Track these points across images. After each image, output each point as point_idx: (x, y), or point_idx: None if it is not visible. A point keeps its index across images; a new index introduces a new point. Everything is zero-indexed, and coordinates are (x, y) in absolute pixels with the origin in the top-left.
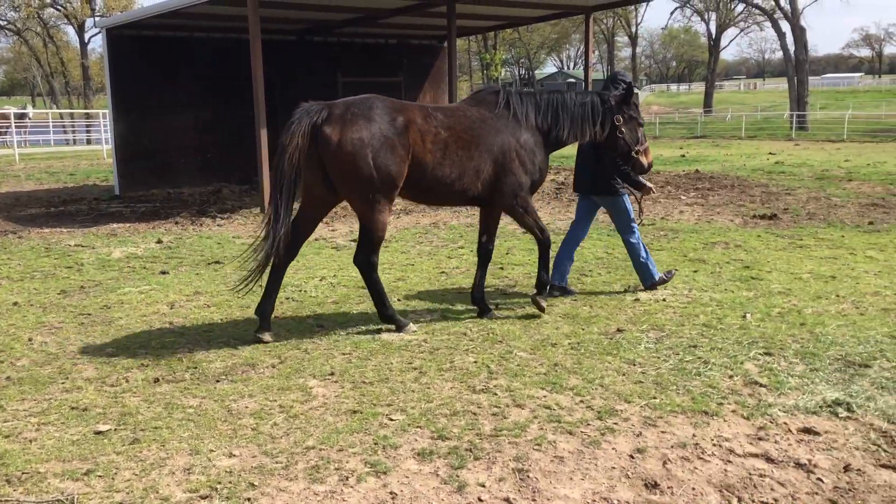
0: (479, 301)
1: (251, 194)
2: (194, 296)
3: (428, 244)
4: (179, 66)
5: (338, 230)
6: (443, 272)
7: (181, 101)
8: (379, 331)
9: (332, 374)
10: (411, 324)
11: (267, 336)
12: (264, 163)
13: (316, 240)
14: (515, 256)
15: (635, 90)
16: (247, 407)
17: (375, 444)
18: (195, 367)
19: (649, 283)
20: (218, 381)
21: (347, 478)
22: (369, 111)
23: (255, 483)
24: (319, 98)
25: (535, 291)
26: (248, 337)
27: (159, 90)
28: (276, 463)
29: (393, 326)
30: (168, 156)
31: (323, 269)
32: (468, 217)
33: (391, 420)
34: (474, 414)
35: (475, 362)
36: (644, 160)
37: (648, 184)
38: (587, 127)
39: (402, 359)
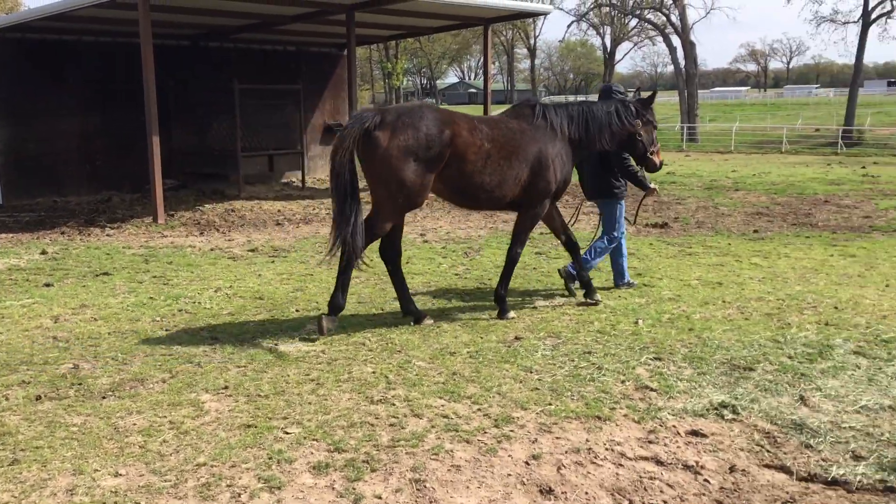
0: (587, 284)
1: (143, 203)
2: (80, 309)
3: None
4: (67, 70)
5: (235, 240)
6: None
7: (69, 106)
8: (276, 343)
9: (226, 387)
10: (327, 324)
11: (428, 320)
12: (157, 170)
13: (212, 250)
14: (415, 266)
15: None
16: (135, 424)
17: (270, 458)
18: (80, 384)
19: (571, 278)
20: (104, 398)
21: (240, 494)
22: (419, 121)
23: (142, 503)
24: (215, 104)
25: (496, 310)
26: (138, 350)
27: (46, 95)
28: (165, 481)
29: (316, 326)
30: (55, 163)
31: (219, 279)
32: None
33: (286, 433)
34: (372, 425)
35: (373, 373)
36: (657, 159)
37: (653, 185)
38: (613, 133)
39: (299, 370)
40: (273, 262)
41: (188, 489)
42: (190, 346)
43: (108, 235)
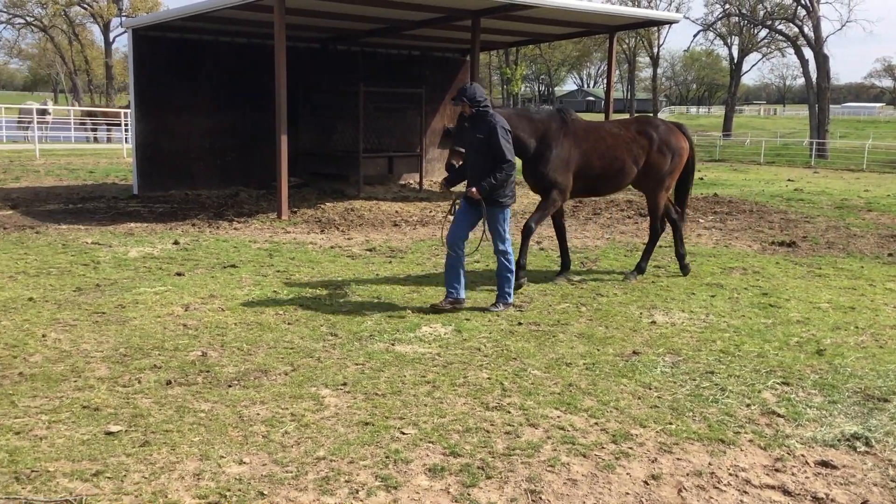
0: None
1: (268, 199)
2: (209, 298)
3: (444, 256)
4: (202, 68)
5: (353, 239)
6: None
7: (201, 103)
8: (393, 343)
9: (345, 384)
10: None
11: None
12: (284, 168)
13: (332, 247)
14: (530, 275)
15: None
16: (258, 414)
17: (387, 457)
18: (208, 371)
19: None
20: (230, 387)
21: (357, 491)
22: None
23: (265, 492)
24: (340, 106)
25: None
26: (262, 342)
27: (181, 92)
28: (287, 472)
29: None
30: (187, 157)
31: (338, 276)
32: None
33: (403, 434)
34: (487, 431)
35: (489, 378)
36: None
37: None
38: None
39: (415, 372)
40: (390, 262)
41: (308, 482)
42: (311, 341)
43: (235, 229)
